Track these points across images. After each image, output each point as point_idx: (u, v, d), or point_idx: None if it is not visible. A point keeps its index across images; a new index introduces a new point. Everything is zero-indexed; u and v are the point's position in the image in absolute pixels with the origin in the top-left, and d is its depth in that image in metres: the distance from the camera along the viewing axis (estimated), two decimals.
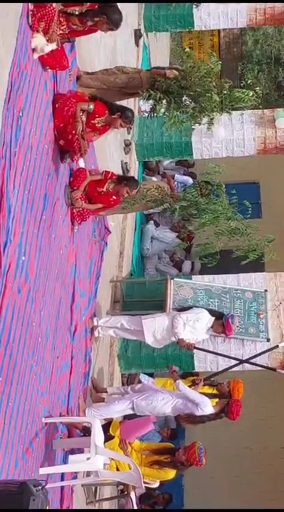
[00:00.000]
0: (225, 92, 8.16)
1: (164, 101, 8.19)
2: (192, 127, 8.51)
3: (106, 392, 9.46)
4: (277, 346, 9.90)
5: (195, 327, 8.99)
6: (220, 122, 8.83)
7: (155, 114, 8.44)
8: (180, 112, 8.19)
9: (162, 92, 8.13)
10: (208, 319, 9.09)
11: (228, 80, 8.42)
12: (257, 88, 8.44)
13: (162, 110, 8.31)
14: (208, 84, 7.97)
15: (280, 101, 22.43)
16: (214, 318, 9.13)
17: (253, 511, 12.99)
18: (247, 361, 9.78)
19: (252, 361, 9.80)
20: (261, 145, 13.72)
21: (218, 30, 21.96)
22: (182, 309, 9.45)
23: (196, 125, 8.41)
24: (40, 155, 6.71)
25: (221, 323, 9.05)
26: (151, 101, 8.27)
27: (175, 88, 8.08)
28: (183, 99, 8.15)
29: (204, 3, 14.83)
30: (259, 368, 10.15)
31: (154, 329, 9.09)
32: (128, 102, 10.40)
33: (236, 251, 8.99)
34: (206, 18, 15.19)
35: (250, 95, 8.23)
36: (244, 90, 8.30)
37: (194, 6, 14.67)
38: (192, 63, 8.19)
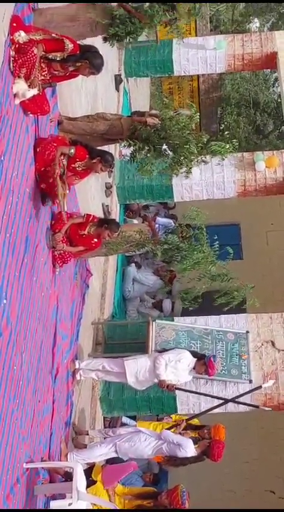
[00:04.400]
0: (203, 143, 8.28)
1: (145, 149, 8.29)
2: (170, 176, 8.61)
3: (88, 434, 9.39)
4: (260, 387, 9.90)
5: (176, 368, 8.98)
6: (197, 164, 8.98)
7: (135, 161, 8.54)
8: (160, 160, 8.28)
9: (142, 141, 8.23)
10: (190, 360, 9.09)
11: (206, 129, 8.59)
12: (235, 140, 8.52)
13: (142, 157, 8.41)
14: (187, 136, 8.08)
15: (259, 144, 22.77)
16: (195, 359, 9.14)
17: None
18: (232, 400, 9.74)
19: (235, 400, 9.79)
20: (241, 187, 13.89)
21: (198, 75, 22.30)
22: (163, 350, 9.44)
23: (173, 175, 8.52)
24: (21, 198, 6.75)
25: (203, 363, 9.06)
26: (132, 148, 8.36)
27: (155, 138, 8.19)
28: (163, 148, 8.25)
29: (185, 49, 15.10)
30: (241, 409, 10.13)
31: (136, 370, 9.07)
32: (109, 146, 10.51)
33: (218, 298, 9.02)
34: (185, 63, 15.44)
35: (227, 147, 8.36)
36: (220, 143, 8.41)
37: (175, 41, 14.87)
38: (171, 115, 8.29)
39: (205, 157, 8.53)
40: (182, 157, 8.18)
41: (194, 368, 9.18)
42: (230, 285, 8.96)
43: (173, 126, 8.11)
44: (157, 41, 13.57)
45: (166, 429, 8.88)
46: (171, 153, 8.20)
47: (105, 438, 9.02)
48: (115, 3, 7.59)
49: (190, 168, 8.28)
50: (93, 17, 7.48)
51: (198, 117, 8.37)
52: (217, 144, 8.35)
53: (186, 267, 8.83)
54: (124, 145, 8.44)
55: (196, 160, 8.28)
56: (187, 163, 8.20)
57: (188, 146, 8.04)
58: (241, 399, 9.97)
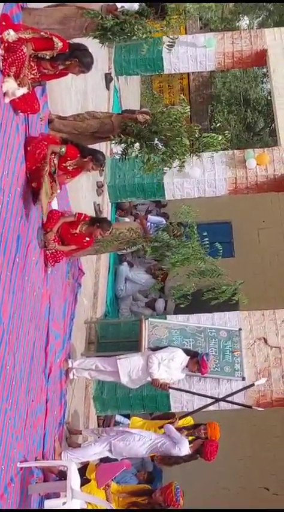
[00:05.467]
0: (195, 136, 8.25)
1: (136, 145, 8.27)
2: (163, 170, 8.59)
3: (81, 434, 9.38)
4: (253, 384, 9.90)
5: (169, 366, 8.98)
6: (193, 163, 8.94)
7: (127, 158, 8.52)
8: (153, 155, 8.25)
9: (134, 136, 8.21)
10: (183, 358, 9.09)
11: (197, 124, 8.56)
12: (226, 132, 8.49)
13: (134, 153, 8.38)
14: (178, 129, 8.07)
15: (250, 142, 22.79)
16: (188, 357, 9.14)
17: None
18: (223, 399, 9.76)
19: (228, 399, 9.79)
20: (232, 185, 13.90)
21: (188, 73, 22.33)
22: (156, 349, 9.44)
23: (167, 168, 8.49)
24: (12, 198, 6.73)
25: (196, 361, 9.06)
26: (123, 144, 8.35)
27: (146, 132, 8.17)
28: (155, 142, 8.23)
29: (175, 47, 15.10)
30: (235, 407, 10.13)
31: (129, 369, 9.06)
32: (100, 144, 10.50)
33: (206, 293, 9.02)
34: (175, 61, 15.44)
35: (219, 139, 8.34)
36: (213, 135, 8.38)
37: (166, 48, 15.03)
38: (162, 109, 8.28)
39: (199, 153, 8.51)
40: (174, 150, 8.15)
41: (187, 366, 9.18)
42: (220, 282, 8.96)
43: (164, 119, 8.09)
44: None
45: (159, 427, 8.89)
46: (162, 147, 8.17)
47: (98, 437, 9.02)
48: (104, 11, 7.61)
49: (183, 161, 8.26)
50: (82, 23, 7.52)
51: (189, 110, 8.33)
52: (209, 135, 8.32)
53: (174, 262, 8.82)
54: (116, 142, 8.41)
55: (188, 153, 8.25)
56: (180, 156, 8.17)
57: (180, 139, 8.02)
58: (234, 397, 9.99)
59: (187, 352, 9.32)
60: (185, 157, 8.18)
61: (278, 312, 11.29)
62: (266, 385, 10.52)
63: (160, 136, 8.13)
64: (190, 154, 8.32)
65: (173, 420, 8.93)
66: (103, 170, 11.95)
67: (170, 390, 9.59)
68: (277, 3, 22.02)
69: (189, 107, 8.33)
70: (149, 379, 9.02)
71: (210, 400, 9.90)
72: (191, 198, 13.78)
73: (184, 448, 8.28)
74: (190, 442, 8.53)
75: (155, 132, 8.13)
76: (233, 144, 20.53)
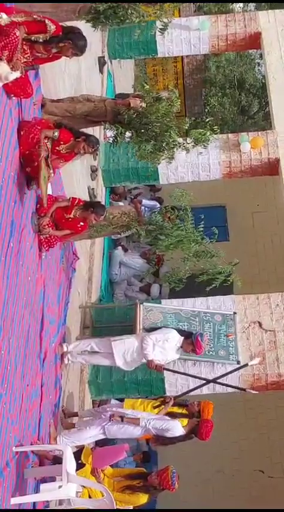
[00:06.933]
0: (184, 130, 8.24)
1: (127, 134, 8.25)
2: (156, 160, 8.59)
3: (77, 415, 9.41)
4: (247, 364, 9.93)
5: (164, 347, 9.02)
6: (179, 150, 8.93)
7: (117, 145, 8.49)
8: (144, 144, 8.23)
9: (125, 125, 8.19)
10: (177, 339, 9.12)
11: (191, 110, 8.57)
12: (216, 127, 8.46)
13: (125, 141, 8.37)
14: (167, 124, 8.04)
15: (244, 125, 22.73)
16: (183, 337, 9.17)
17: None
18: (215, 380, 9.76)
19: (223, 381, 9.82)
20: (226, 169, 13.88)
21: (182, 56, 22.21)
22: (151, 330, 9.46)
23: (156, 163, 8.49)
24: (6, 182, 6.71)
25: (191, 341, 9.10)
26: (114, 131, 8.33)
27: (137, 123, 8.15)
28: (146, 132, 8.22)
29: (168, 30, 15.04)
30: (229, 390, 10.17)
31: (123, 351, 9.08)
32: (94, 129, 10.45)
33: (200, 275, 9.01)
34: (169, 45, 15.36)
35: (208, 134, 8.33)
36: (201, 131, 8.36)
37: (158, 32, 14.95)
38: (151, 101, 8.23)
39: (187, 143, 8.48)
40: (164, 143, 8.13)
41: (181, 347, 9.21)
42: (215, 264, 8.96)
43: (153, 114, 8.06)
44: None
45: (154, 407, 8.88)
46: (152, 139, 8.15)
47: (94, 416, 9.03)
48: None
49: (172, 154, 8.24)
50: (75, 6, 7.47)
51: (179, 103, 8.30)
52: (197, 131, 8.31)
53: (168, 244, 8.82)
54: (107, 128, 8.39)
55: (178, 146, 8.24)
56: (169, 150, 8.16)
57: (169, 133, 8.00)
58: (229, 382, 10.02)
59: (181, 332, 9.36)
60: (174, 150, 8.17)
61: (273, 296, 11.32)
62: (261, 369, 10.56)
63: (149, 127, 8.11)
64: (179, 147, 8.31)
65: (168, 400, 8.96)
66: (97, 154, 11.93)
67: (165, 373, 9.62)
68: None
69: (179, 100, 8.29)
70: (144, 360, 9.04)
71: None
72: (185, 182, 13.76)
73: (177, 430, 8.32)
74: (183, 415, 8.57)
75: (145, 123, 8.10)
76: (227, 128, 20.50)
